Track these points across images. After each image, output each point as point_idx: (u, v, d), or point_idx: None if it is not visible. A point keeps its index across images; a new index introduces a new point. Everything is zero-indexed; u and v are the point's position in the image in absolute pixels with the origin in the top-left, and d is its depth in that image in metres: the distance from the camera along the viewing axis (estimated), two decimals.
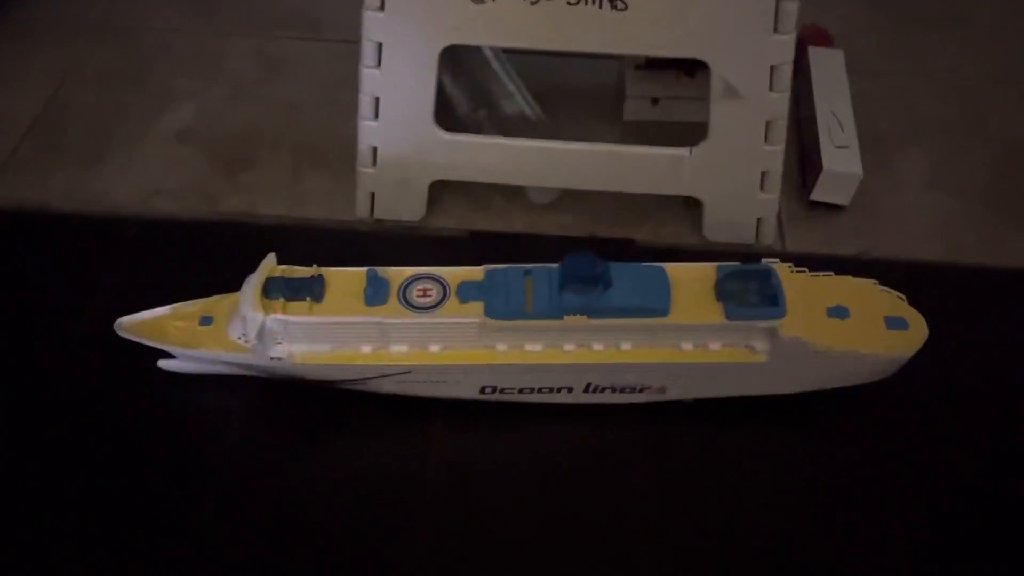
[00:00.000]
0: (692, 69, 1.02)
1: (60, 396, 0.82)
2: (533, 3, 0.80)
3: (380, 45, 0.85)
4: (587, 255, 0.74)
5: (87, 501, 0.76)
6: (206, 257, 0.93)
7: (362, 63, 0.86)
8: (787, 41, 0.81)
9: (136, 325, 0.79)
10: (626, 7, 0.79)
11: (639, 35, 0.82)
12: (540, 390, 0.78)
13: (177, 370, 0.81)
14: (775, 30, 0.80)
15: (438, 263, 0.78)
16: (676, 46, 0.83)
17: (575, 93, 1.07)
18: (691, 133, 0.91)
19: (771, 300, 0.74)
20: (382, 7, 0.82)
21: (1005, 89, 1.14)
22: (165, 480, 0.77)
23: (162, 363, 0.81)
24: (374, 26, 0.84)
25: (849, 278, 0.80)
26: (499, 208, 1.00)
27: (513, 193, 0.99)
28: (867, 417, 0.82)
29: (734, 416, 0.80)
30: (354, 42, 0.87)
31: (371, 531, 0.75)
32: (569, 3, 0.79)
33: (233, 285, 0.80)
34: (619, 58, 1.07)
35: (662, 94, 1.04)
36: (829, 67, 1.05)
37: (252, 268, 0.78)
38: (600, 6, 0.79)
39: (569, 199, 0.99)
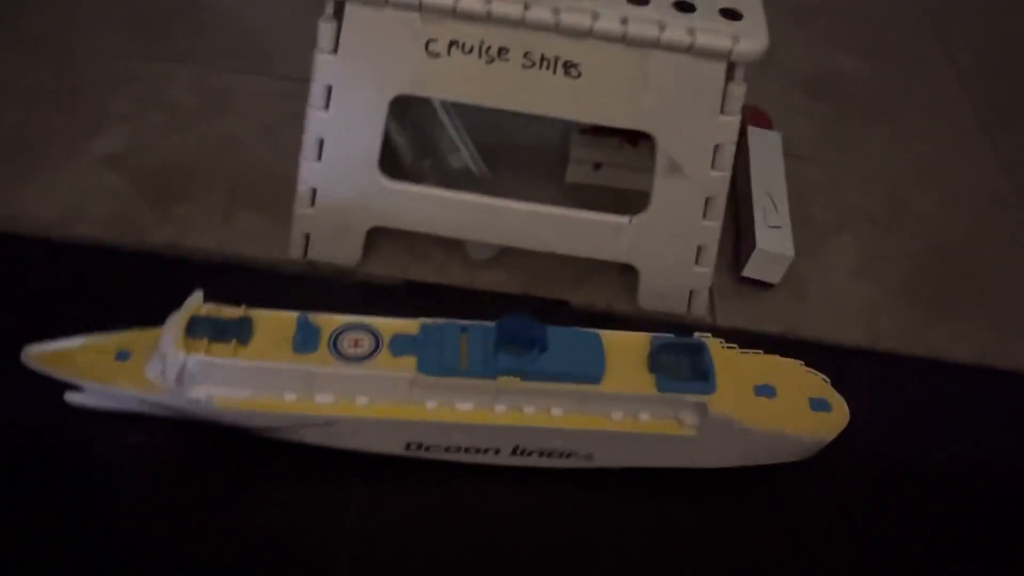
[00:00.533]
0: (636, 139, 1.04)
1: None
2: (488, 63, 0.80)
3: (330, 88, 0.84)
4: (524, 317, 0.74)
5: None
6: (129, 288, 0.89)
7: (310, 104, 0.85)
8: (731, 123, 0.83)
9: (46, 355, 0.75)
10: (579, 75, 0.80)
11: (590, 104, 0.83)
12: (467, 450, 0.77)
13: (86, 405, 0.77)
14: (721, 111, 0.82)
15: (370, 310, 0.77)
16: (626, 118, 0.84)
17: (520, 151, 1.08)
18: (630, 200, 0.93)
19: (702, 375, 0.75)
20: (335, 50, 0.82)
21: (928, 187, 1.19)
22: (58, 524, 0.72)
23: (69, 396, 0.77)
24: (325, 69, 0.83)
25: (777, 357, 0.81)
26: (437, 260, 0.99)
27: (452, 246, 0.99)
28: (786, 496, 0.83)
29: (658, 486, 0.80)
30: (302, 80, 0.86)
31: None
32: (524, 66, 0.80)
33: (155, 319, 0.77)
34: (566, 121, 1.08)
35: (605, 160, 1.06)
36: (767, 148, 1.09)
37: (177, 303, 0.75)
38: (555, 72, 0.80)
39: (507, 256, 0.99)
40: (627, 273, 0.97)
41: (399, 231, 0.95)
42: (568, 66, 0.80)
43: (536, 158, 1.09)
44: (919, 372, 0.97)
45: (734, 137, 0.84)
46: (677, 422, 0.76)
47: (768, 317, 0.99)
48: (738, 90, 0.81)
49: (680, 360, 0.76)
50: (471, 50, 0.80)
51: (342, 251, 0.94)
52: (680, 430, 0.76)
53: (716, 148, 0.84)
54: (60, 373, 0.74)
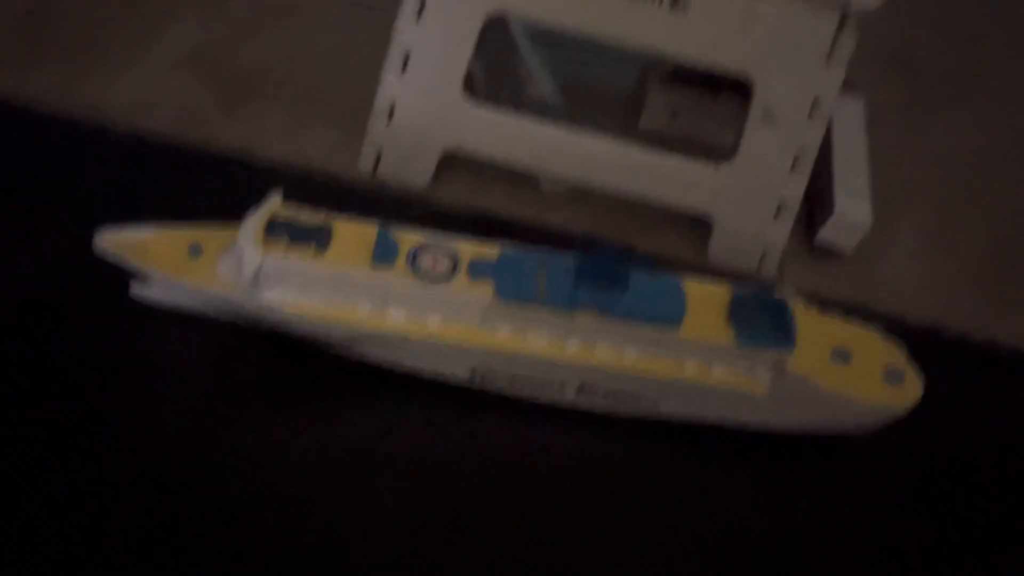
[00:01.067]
0: (717, 89, 1.01)
1: (17, 305, 0.75)
2: None
3: None
4: (610, 252, 0.72)
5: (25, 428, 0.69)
6: (196, 185, 0.87)
7: (401, 13, 0.82)
8: (836, 75, 0.80)
9: (118, 242, 0.73)
10: (687, 9, 0.77)
11: (693, 41, 0.80)
12: (532, 383, 0.75)
13: (150, 297, 0.75)
14: (827, 62, 0.79)
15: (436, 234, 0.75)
16: (727, 60, 0.81)
17: (593, 93, 1.04)
18: (703, 153, 0.90)
19: (783, 332, 0.73)
20: None
21: (1006, 168, 1.16)
22: (106, 415, 0.71)
23: (136, 288, 0.75)
24: None
25: (855, 324, 0.79)
26: (503, 193, 0.96)
27: (520, 180, 0.96)
28: (846, 467, 0.82)
29: (714, 444, 0.79)
30: None
31: (322, 506, 0.70)
32: None
33: (221, 219, 0.75)
34: (641, 65, 1.05)
35: (684, 109, 1.02)
36: (849, 112, 1.05)
37: (243, 205, 0.73)
38: (661, 3, 0.77)
39: (576, 196, 0.97)
40: (697, 224, 0.95)
41: (470, 159, 0.92)
42: None
43: (610, 101, 1.05)
44: (983, 357, 0.94)
45: (835, 91, 0.81)
46: (751, 378, 0.74)
47: (835, 285, 0.96)
48: (848, 42, 0.78)
49: (761, 315, 0.74)
50: None
51: (413, 171, 0.92)
52: (752, 387, 0.74)
53: (815, 101, 0.81)
54: (130, 261, 0.73)
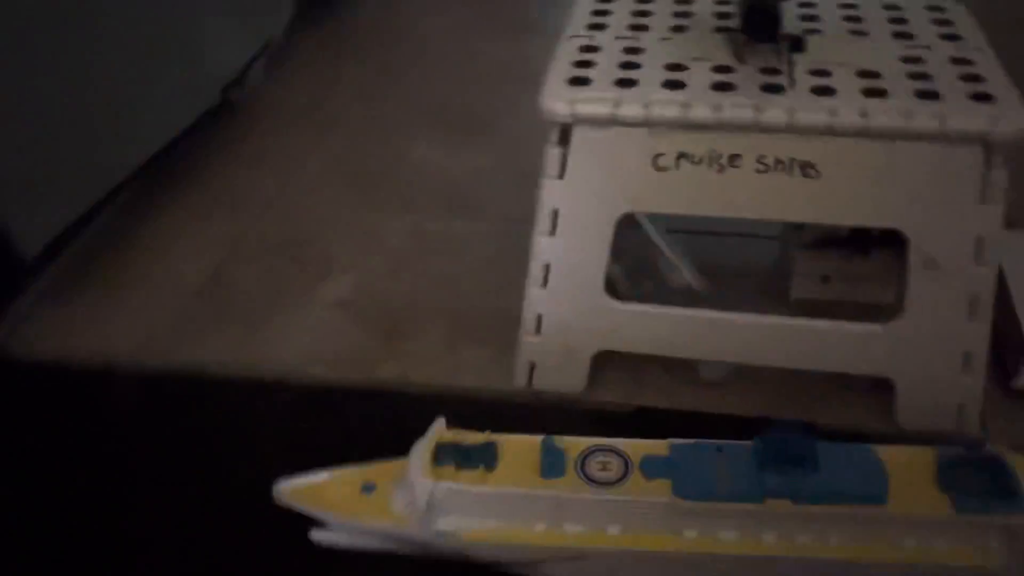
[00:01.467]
0: (867, 247, 0.97)
1: (210, 561, 0.78)
2: (719, 171, 0.78)
3: (556, 212, 0.84)
4: (791, 430, 0.67)
5: None
6: (362, 423, 0.90)
7: (536, 230, 0.85)
8: (995, 211, 0.76)
9: (296, 491, 0.75)
10: (819, 175, 0.77)
11: (831, 205, 0.79)
12: None
13: (331, 542, 0.76)
14: (982, 198, 0.75)
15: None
16: (871, 216, 0.79)
17: (734, 271, 1.03)
18: (864, 314, 0.86)
19: (1008, 492, 0.65)
20: (562, 175, 0.82)
21: None
22: None
23: (315, 534, 0.76)
24: (552, 194, 0.83)
25: None
26: (663, 384, 0.94)
27: (678, 368, 0.94)
28: None
29: None
30: (513, 220, 0.87)
31: None
32: (758, 171, 0.77)
33: (389, 452, 0.76)
34: (783, 237, 1.04)
35: (834, 272, 0.99)
36: (1019, 243, 0.99)
37: (409, 435, 0.74)
38: (791, 174, 0.77)
39: (740, 377, 0.93)
40: (878, 387, 0.88)
41: (623, 357, 0.92)
42: (806, 167, 0.76)
43: (752, 277, 1.04)
44: None
45: (999, 227, 0.76)
46: (981, 550, 0.65)
47: None
48: (1000, 175, 0.74)
49: (976, 476, 0.66)
50: (700, 160, 0.78)
51: (567, 378, 0.91)
52: (987, 560, 0.65)
53: (978, 240, 0.77)
54: (309, 507, 0.74)
